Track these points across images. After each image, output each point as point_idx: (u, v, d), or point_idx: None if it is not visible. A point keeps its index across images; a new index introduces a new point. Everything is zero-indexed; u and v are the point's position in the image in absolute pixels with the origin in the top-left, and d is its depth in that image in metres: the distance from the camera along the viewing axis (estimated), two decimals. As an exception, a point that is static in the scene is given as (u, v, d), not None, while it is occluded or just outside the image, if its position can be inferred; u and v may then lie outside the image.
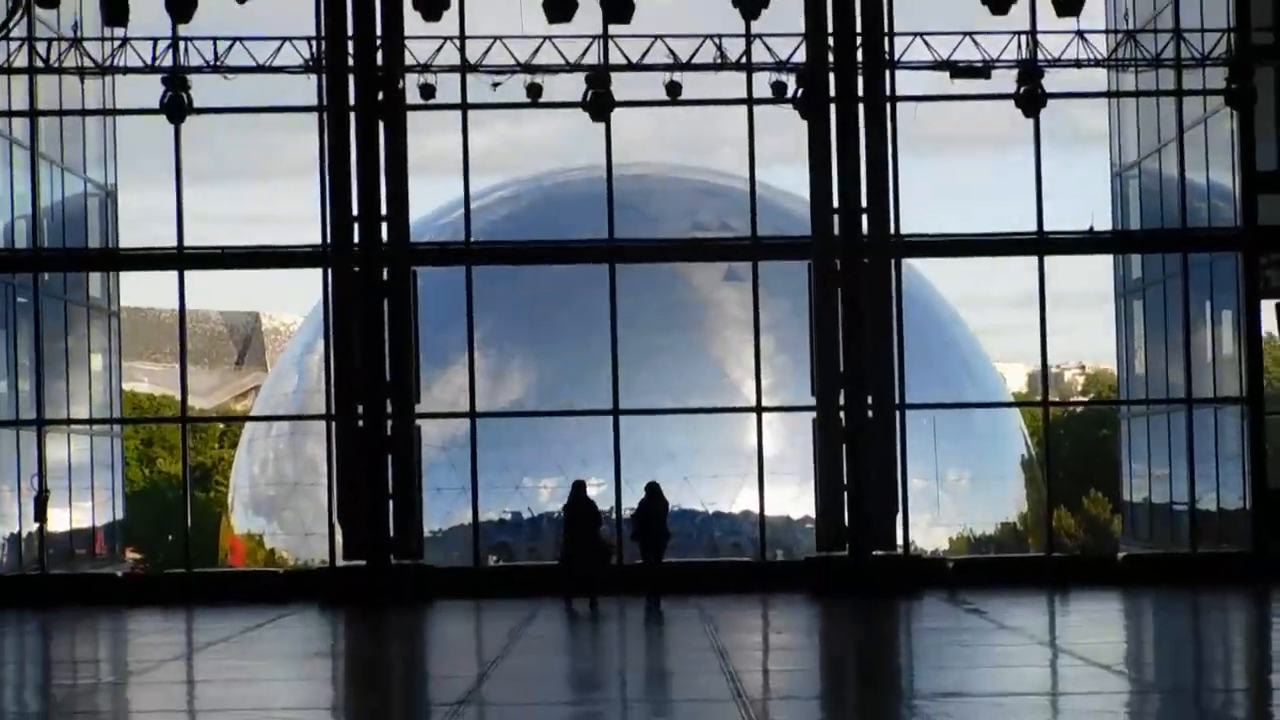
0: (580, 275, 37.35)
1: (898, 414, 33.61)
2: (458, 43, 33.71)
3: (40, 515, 34.02)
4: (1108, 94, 40.34)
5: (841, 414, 32.69)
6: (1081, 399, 41.25)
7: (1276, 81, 34.81)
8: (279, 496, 48.65)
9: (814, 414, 33.43)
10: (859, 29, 33.26)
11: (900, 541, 33.26)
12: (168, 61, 32.76)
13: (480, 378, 37.27)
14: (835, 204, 32.91)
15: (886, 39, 34.07)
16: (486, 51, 33.64)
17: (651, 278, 41.59)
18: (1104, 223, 39.86)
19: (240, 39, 33.06)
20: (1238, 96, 34.06)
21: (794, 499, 38.21)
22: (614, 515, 34.37)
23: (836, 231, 32.94)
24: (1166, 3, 37.57)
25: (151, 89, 32.40)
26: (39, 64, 34.10)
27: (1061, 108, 36.37)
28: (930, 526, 38.65)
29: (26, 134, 35.69)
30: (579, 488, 30.31)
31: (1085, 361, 49.69)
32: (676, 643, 25.20)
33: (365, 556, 30.96)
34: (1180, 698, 17.79)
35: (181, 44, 32.86)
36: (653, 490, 30.58)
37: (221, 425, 58.66)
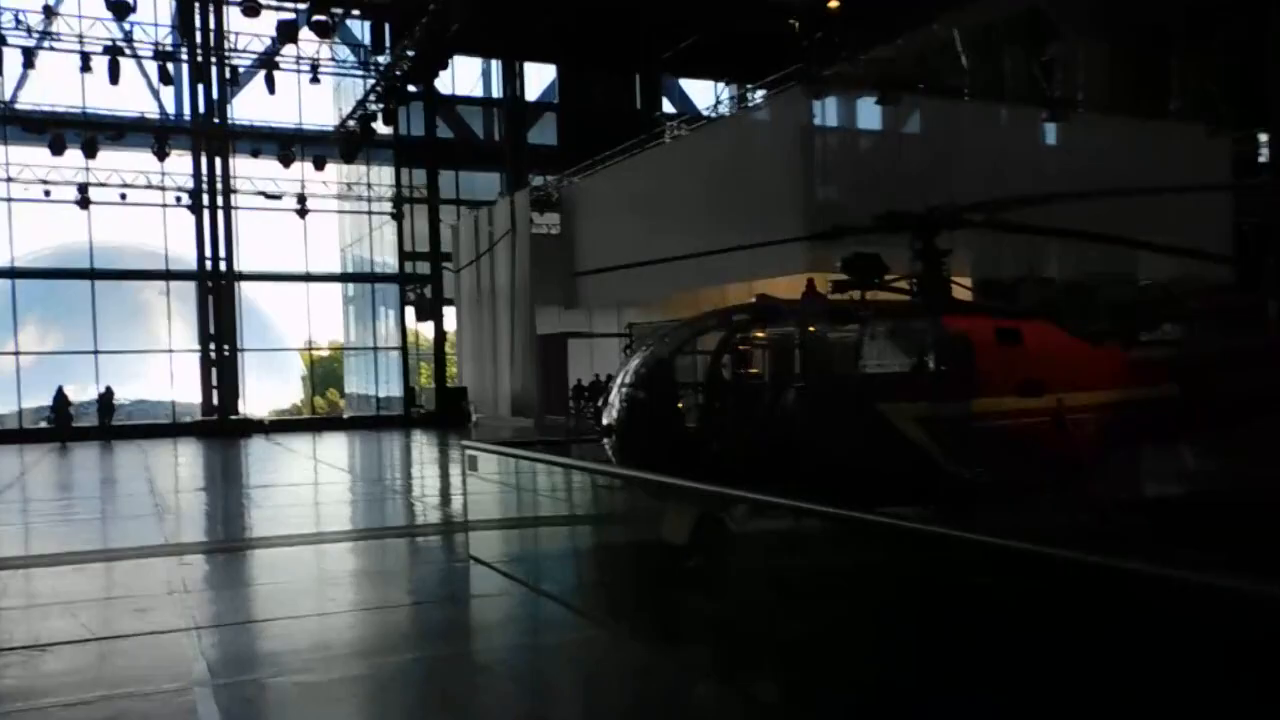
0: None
1: (240, 355, 35.83)
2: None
3: None
4: (340, 212, 40.22)
5: (225, 351, 34.89)
6: (332, 348, 40.22)
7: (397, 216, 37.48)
8: None
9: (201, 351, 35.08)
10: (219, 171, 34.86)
11: (242, 411, 35.28)
12: None
13: None
14: (208, 253, 35.08)
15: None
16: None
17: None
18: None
19: None
20: (396, 216, 37.50)
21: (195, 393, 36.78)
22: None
23: (209, 267, 35.09)
24: (365, 171, 37.89)
25: None
26: None
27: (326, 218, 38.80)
28: (256, 401, 37.95)
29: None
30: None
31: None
32: (122, 464, 25.03)
33: None
34: (374, 480, 21.36)
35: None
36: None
37: None
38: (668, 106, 41.58)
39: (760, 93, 27.21)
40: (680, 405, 9.46)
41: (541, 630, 8.38)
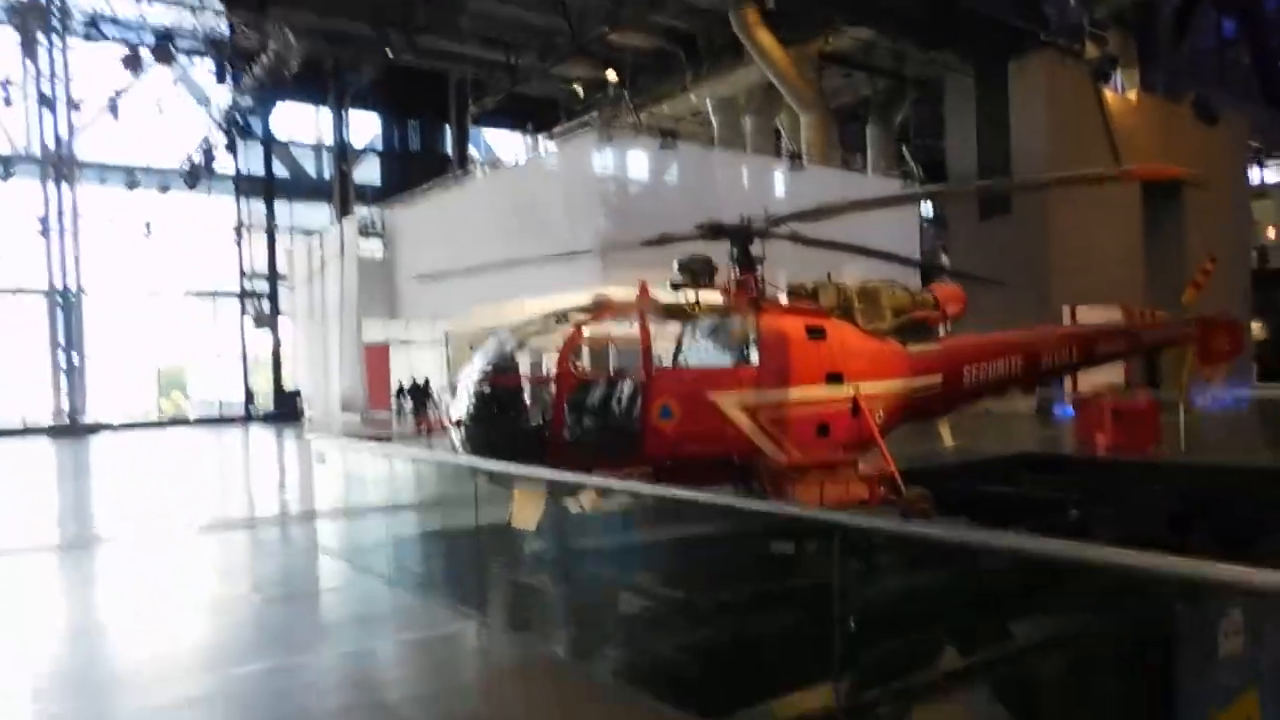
0: None
1: (85, 362, 30.76)
2: None
3: None
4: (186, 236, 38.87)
5: (73, 360, 30.16)
6: (179, 356, 34.97)
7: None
8: None
9: None
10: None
11: (90, 414, 30.43)
12: None
13: None
14: (56, 272, 30.95)
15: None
16: None
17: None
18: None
19: None
20: (237, 241, 34.38)
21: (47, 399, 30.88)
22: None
23: (57, 285, 30.49)
24: (209, 200, 34.77)
25: None
26: None
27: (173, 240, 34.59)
28: (107, 405, 32.22)
29: None
30: None
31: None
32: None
33: None
34: (217, 473, 18.08)
35: None
36: None
37: None
38: (473, 153, 39.68)
39: (551, 143, 25.85)
40: (526, 398, 7.99)
41: (396, 625, 6.50)
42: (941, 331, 9.76)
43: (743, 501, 6.56)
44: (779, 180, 24.09)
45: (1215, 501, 9.77)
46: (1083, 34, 24.82)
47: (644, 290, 8.26)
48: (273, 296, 33.56)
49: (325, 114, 37.01)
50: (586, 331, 7.92)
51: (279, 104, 32.66)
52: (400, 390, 32.05)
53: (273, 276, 33.71)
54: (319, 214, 36.27)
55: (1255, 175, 34.79)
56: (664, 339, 8.53)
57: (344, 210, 35.14)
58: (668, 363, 8.37)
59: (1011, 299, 17.95)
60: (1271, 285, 30.76)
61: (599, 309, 8.08)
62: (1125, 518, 9.59)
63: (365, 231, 31.55)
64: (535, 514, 7.23)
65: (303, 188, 36.72)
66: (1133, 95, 26.21)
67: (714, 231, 8.56)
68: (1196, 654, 4.55)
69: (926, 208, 32.71)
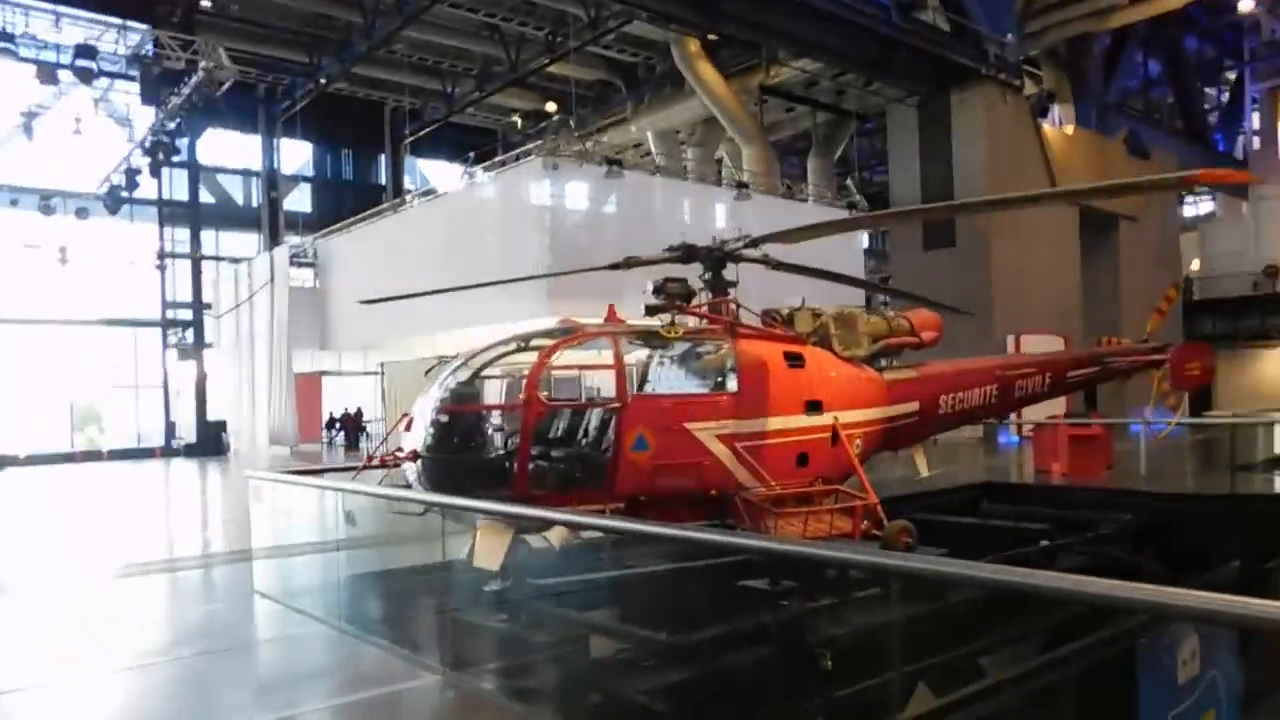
0: None
1: None
2: None
3: None
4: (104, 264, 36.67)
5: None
6: (95, 388, 33.03)
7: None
8: None
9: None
10: None
11: None
12: None
13: None
14: None
15: None
16: None
17: None
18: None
19: None
20: (160, 268, 31.63)
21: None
22: None
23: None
24: (130, 226, 31.31)
25: None
26: None
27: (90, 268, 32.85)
28: (15, 438, 29.83)
29: None
30: None
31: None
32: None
33: None
34: (136, 510, 17.06)
35: None
36: None
37: None
38: (408, 184, 38.91)
39: (489, 174, 25.33)
40: (488, 428, 7.41)
41: (347, 679, 5.84)
42: (884, 361, 9.43)
43: (779, 543, 6.04)
44: (723, 209, 23.94)
45: (1171, 528, 9.79)
46: (1020, 71, 25.39)
47: (612, 314, 7.78)
48: (197, 326, 32.09)
49: (255, 141, 35.90)
50: (554, 357, 7.38)
51: (208, 130, 31.50)
52: (331, 421, 31.39)
53: (197, 306, 32.25)
54: (247, 242, 35.09)
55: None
56: (635, 365, 8.05)
57: (274, 239, 34.15)
58: (640, 390, 7.89)
59: (957, 328, 18.06)
60: (1198, 315, 31.70)
61: (566, 333, 7.56)
62: (1088, 545, 9.53)
63: (295, 259, 30.73)
64: (499, 552, 6.65)
65: (231, 215, 35.57)
66: (1070, 129, 26.89)
67: (686, 254, 8.15)
68: (1156, 679, 4.68)
69: (864, 239, 33.13)
